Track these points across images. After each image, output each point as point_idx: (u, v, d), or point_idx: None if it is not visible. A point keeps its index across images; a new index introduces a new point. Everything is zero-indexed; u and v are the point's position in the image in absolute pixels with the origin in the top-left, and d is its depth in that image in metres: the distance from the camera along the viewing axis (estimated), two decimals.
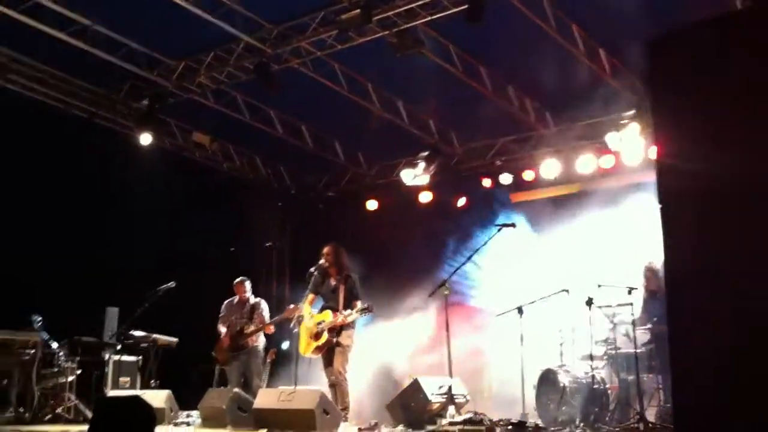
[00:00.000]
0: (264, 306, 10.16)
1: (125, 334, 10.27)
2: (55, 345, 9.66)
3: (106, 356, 10.27)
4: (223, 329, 10.01)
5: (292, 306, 9.51)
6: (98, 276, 10.85)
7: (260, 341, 10.03)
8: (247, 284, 10.28)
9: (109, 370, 10.17)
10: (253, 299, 10.20)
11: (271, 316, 10.17)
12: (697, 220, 4.04)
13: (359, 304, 8.30)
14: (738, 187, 3.82)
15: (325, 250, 8.87)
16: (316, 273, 8.87)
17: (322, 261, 8.86)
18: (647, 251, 8.29)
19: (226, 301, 10.24)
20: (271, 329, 9.96)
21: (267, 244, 13.34)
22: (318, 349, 8.40)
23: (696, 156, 4.04)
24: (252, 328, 9.81)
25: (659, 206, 4.29)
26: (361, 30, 9.33)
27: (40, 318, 9.60)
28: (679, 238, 4.10)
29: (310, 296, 8.81)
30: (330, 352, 8.38)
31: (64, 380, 9.58)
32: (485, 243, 8.91)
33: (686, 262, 4.04)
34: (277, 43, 9.98)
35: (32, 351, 9.48)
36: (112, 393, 9.71)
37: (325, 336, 8.32)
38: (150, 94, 11.23)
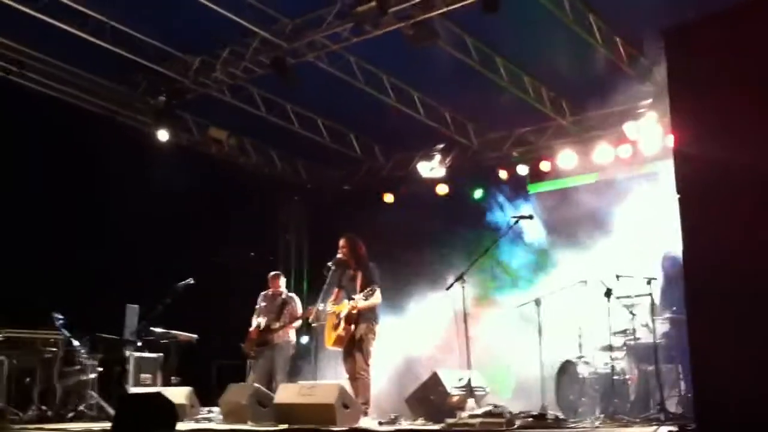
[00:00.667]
0: (296, 302, 10.18)
1: (145, 331, 10.32)
2: (76, 343, 9.71)
3: (127, 353, 10.31)
4: (255, 322, 10.02)
5: (310, 308, 9.54)
6: (118, 273, 10.92)
7: (290, 337, 10.04)
8: (282, 279, 10.34)
9: (130, 367, 10.22)
10: (285, 294, 10.23)
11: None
12: (716, 210, 4.01)
13: (377, 293, 8.31)
14: (757, 176, 3.78)
15: (341, 242, 8.90)
16: (334, 267, 8.87)
17: (339, 254, 8.87)
18: (665, 240, 8.21)
19: (261, 293, 10.28)
20: (296, 325, 9.97)
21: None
22: (339, 338, 8.40)
23: (714, 145, 4.01)
24: (278, 324, 9.83)
25: (677, 196, 4.26)
26: (377, 22, 9.30)
27: (61, 316, 9.66)
28: (698, 227, 4.07)
29: (335, 290, 8.83)
30: (351, 344, 8.37)
31: (86, 378, 9.65)
32: (503, 235, 8.88)
33: (705, 251, 4.01)
34: (293, 37, 9.97)
35: (54, 349, 9.54)
36: (133, 390, 9.77)
37: (342, 325, 8.34)
38: (167, 90, 11.27)
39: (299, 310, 10.12)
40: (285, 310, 9.99)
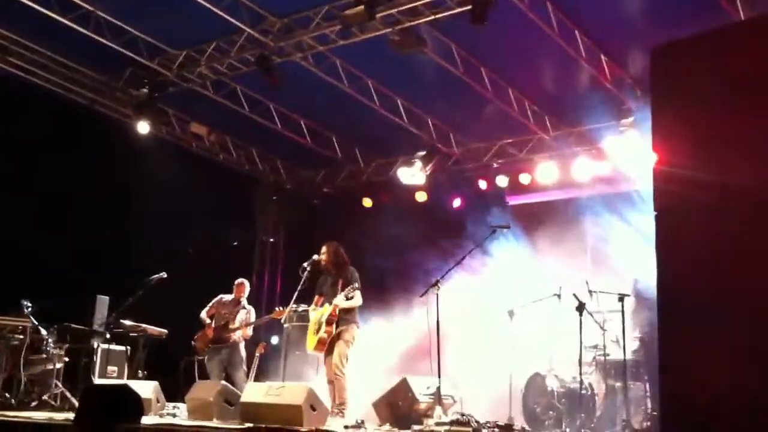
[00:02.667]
0: (252, 314, 10.14)
1: (115, 323, 10.21)
2: (44, 331, 9.60)
3: (95, 345, 10.21)
4: (205, 317, 9.98)
5: (279, 308, 9.54)
6: (90, 264, 10.81)
7: (242, 339, 10.01)
8: (246, 288, 10.27)
9: (97, 358, 10.12)
10: (245, 303, 10.18)
11: (259, 315, 10.21)
12: (694, 230, 4.03)
13: (357, 295, 8.30)
14: (737, 196, 3.80)
15: (324, 248, 8.84)
16: (309, 269, 8.82)
17: (318, 257, 8.81)
18: (640, 259, 8.28)
19: (219, 296, 10.20)
20: (249, 333, 9.95)
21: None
22: (321, 343, 8.36)
23: (694, 164, 4.03)
24: (236, 324, 9.81)
25: (654, 214, 4.28)
26: (364, 26, 9.31)
27: (30, 303, 9.55)
28: (674, 247, 4.08)
29: (316, 298, 8.80)
30: (332, 348, 8.34)
31: (52, 367, 9.53)
32: (479, 244, 8.89)
33: (680, 274, 4.01)
34: (280, 36, 9.96)
35: (21, 336, 9.44)
36: (99, 382, 9.67)
37: (324, 328, 8.31)
38: (150, 82, 11.19)
39: (252, 321, 10.10)
40: (242, 318, 9.96)
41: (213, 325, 9.91)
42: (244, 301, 10.17)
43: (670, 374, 3.89)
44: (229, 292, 10.20)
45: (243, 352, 9.93)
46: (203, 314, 10.06)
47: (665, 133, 4.35)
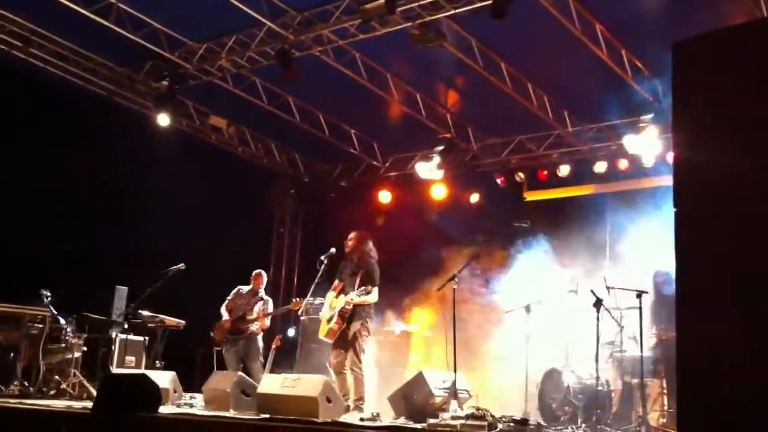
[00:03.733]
0: (270, 305, 10.15)
1: (133, 313, 10.28)
2: (62, 321, 9.69)
3: (113, 335, 10.29)
4: (224, 312, 10.01)
5: (296, 299, 9.54)
6: (109, 254, 10.90)
7: (259, 330, 10.03)
8: (264, 278, 10.29)
9: (115, 348, 10.19)
10: (263, 294, 10.19)
11: (276, 307, 10.23)
12: (714, 226, 4.00)
13: (374, 292, 8.28)
14: (759, 193, 3.78)
15: (351, 235, 8.81)
16: (327, 261, 8.83)
17: (344, 248, 8.80)
18: (659, 256, 8.24)
19: (237, 287, 10.23)
20: (266, 324, 9.96)
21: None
22: (332, 331, 8.37)
23: (716, 160, 4.00)
24: (254, 315, 9.82)
25: (674, 209, 4.26)
26: (384, 20, 9.32)
27: (49, 293, 9.64)
28: (694, 244, 4.06)
29: (336, 282, 8.78)
30: (342, 339, 8.34)
31: (71, 356, 9.64)
32: (497, 240, 8.88)
33: (700, 270, 3.99)
34: (300, 30, 9.98)
35: (40, 326, 9.54)
36: (117, 371, 9.74)
37: (335, 319, 8.31)
38: (170, 74, 11.25)
39: (270, 311, 10.13)
40: (260, 309, 9.97)
41: (231, 317, 9.94)
42: (261, 293, 10.18)
43: (688, 366, 3.87)
44: (247, 283, 10.23)
45: (260, 344, 9.96)
46: (222, 309, 10.08)
47: (687, 128, 4.32)
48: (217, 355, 10.17)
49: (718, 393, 3.73)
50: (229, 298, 10.16)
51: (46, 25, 10.66)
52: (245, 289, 10.18)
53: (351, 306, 8.24)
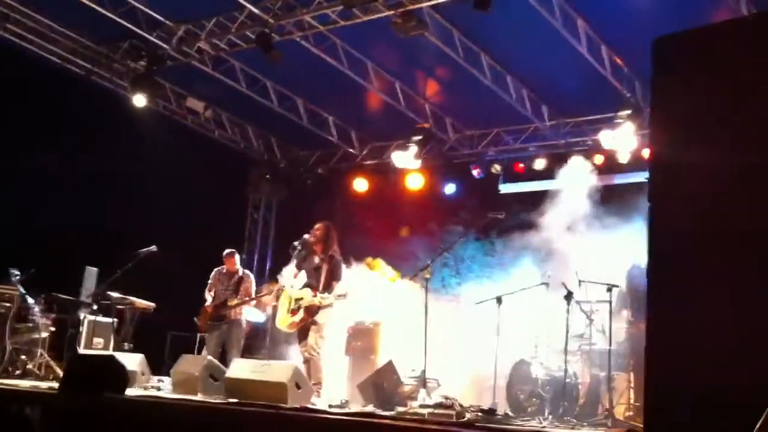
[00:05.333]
0: (252, 280, 10.08)
1: (103, 294, 10.17)
2: (31, 300, 9.56)
3: (82, 316, 10.18)
4: (209, 297, 9.92)
5: (271, 286, 9.50)
6: (80, 235, 10.77)
7: (243, 314, 9.98)
8: (237, 257, 10.20)
9: (84, 329, 10.08)
10: (241, 271, 10.11)
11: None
12: (686, 223, 4.03)
13: (337, 288, 8.28)
14: (732, 188, 3.81)
15: (317, 226, 8.79)
16: (300, 249, 8.81)
17: (308, 236, 8.79)
18: (633, 250, 8.30)
19: (215, 270, 10.14)
20: (252, 304, 9.90)
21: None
22: (293, 324, 8.40)
23: (691, 157, 4.03)
24: (236, 301, 9.74)
25: (648, 205, 4.28)
26: (366, 8, 9.27)
27: (18, 272, 9.51)
28: (666, 239, 4.09)
29: (295, 271, 8.75)
30: (306, 328, 8.37)
31: (38, 336, 9.51)
32: (471, 231, 8.90)
33: (671, 265, 4.02)
34: (281, 15, 9.90)
35: (8, 304, 9.40)
36: (84, 353, 9.65)
37: (301, 314, 8.31)
38: (148, 55, 11.13)
39: (253, 287, 10.07)
40: (241, 287, 9.90)
41: (213, 302, 9.84)
42: (239, 269, 10.10)
43: (656, 359, 3.91)
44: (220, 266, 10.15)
45: (243, 329, 9.88)
46: (206, 292, 9.98)
47: (664, 125, 4.35)
48: (190, 340, 10.10)
49: (686, 386, 3.77)
50: (209, 281, 10.06)
51: (24, 1, 10.50)
52: (222, 270, 10.10)
53: (320, 304, 8.25)
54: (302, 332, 8.42)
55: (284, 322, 8.50)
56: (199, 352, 9.77)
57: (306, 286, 8.50)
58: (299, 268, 8.72)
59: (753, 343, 3.62)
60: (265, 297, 9.85)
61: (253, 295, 9.98)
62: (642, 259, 8.09)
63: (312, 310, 8.28)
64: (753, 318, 3.64)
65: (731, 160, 3.91)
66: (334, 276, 8.41)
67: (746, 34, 4.14)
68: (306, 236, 8.85)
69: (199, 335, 10.07)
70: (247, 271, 10.23)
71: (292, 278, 8.68)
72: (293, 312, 8.40)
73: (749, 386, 3.55)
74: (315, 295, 8.28)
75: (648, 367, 4.04)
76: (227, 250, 10.18)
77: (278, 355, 9.77)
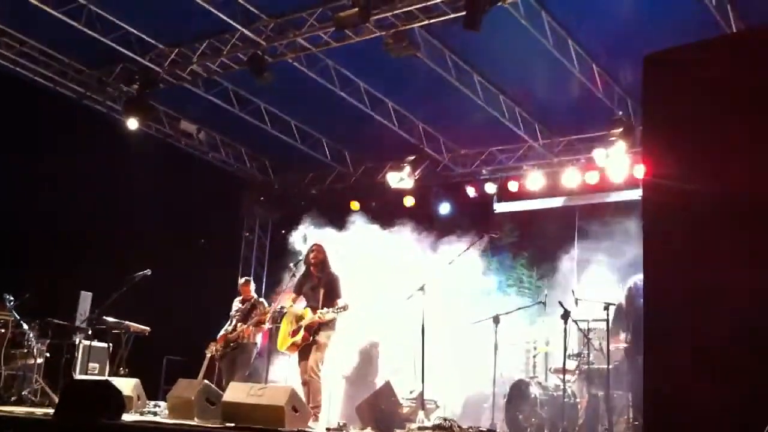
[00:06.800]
0: (264, 305, 9.96)
1: (97, 319, 10.08)
2: (25, 326, 9.50)
3: (77, 341, 10.12)
4: (223, 329, 9.83)
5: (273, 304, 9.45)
6: (74, 259, 10.73)
7: (254, 339, 9.86)
8: (252, 285, 10.17)
9: (79, 354, 10.02)
10: (254, 298, 10.04)
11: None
12: (679, 238, 4.04)
13: (338, 303, 8.25)
14: (726, 207, 3.82)
15: (312, 247, 8.78)
16: (296, 271, 8.79)
17: (306, 258, 8.77)
18: (629, 268, 8.31)
19: (235, 300, 10.07)
20: (250, 330, 9.80)
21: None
22: (294, 345, 8.34)
23: (683, 176, 4.04)
24: (244, 326, 9.64)
25: (642, 224, 4.29)
26: (358, 29, 9.31)
27: (12, 298, 9.45)
28: (661, 257, 4.09)
29: (293, 296, 8.72)
30: (306, 350, 8.32)
31: (33, 362, 9.44)
32: (466, 250, 8.89)
33: (667, 283, 4.02)
34: (273, 36, 9.93)
35: (2, 330, 9.33)
36: (80, 377, 9.58)
37: (301, 333, 8.26)
38: (141, 78, 11.12)
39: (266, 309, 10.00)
40: (253, 313, 9.84)
41: (226, 329, 9.76)
42: (254, 297, 10.02)
43: (654, 368, 3.91)
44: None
45: (251, 354, 9.80)
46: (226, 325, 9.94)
47: (655, 142, 4.36)
48: (187, 364, 9.98)
49: (684, 397, 3.77)
50: (231, 313, 10.00)
51: (15, 26, 10.51)
52: (238, 299, 10.06)
53: (321, 321, 8.20)
54: (302, 353, 8.36)
55: (284, 344, 8.45)
56: (205, 376, 9.62)
57: (307, 307, 8.48)
58: (298, 291, 8.68)
59: (750, 355, 3.62)
60: (263, 318, 9.76)
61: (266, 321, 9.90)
62: (640, 277, 8.12)
63: (312, 328, 8.24)
64: (750, 329, 3.65)
65: (723, 177, 3.93)
66: (333, 294, 8.37)
67: (735, 51, 4.18)
68: (301, 258, 8.84)
69: (207, 360, 9.92)
70: (261, 299, 10.16)
71: (291, 302, 8.65)
72: (293, 333, 8.35)
73: (747, 397, 3.56)
74: (315, 314, 8.26)
75: (646, 379, 4.03)
76: (242, 279, 10.25)
77: (278, 378, 9.66)
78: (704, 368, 3.76)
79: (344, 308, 8.18)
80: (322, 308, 8.24)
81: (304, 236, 10.82)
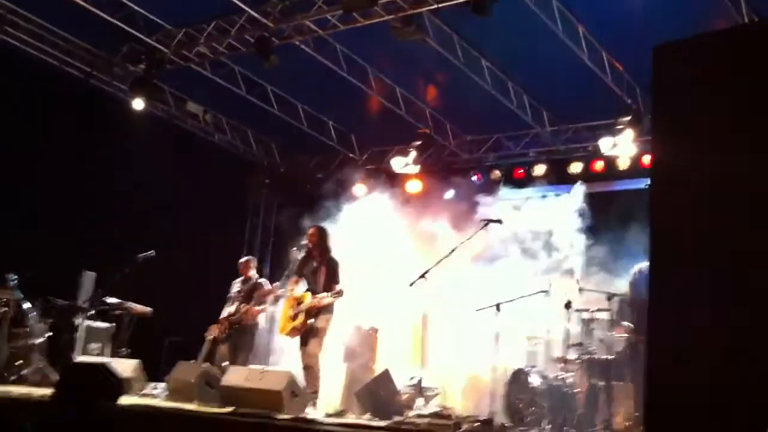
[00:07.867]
0: (266, 286, 9.91)
1: (100, 300, 10.11)
2: (27, 305, 9.49)
3: (79, 321, 10.11)
4: (225, 309, 9.76)
5: (273, 287, 9.43)
6: (78, 239, 10.71)
7: (256, 320, 9.80)
8: (252, 263, 10.10)
9: (80, 335, 10.02)
10: (256, 278, 9.98)
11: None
12: (688, 228, 4.00)
13: (335, 288, 8.25)
14: (734, 195, 3.79)
15: (310, 231, 8.80)
16: (299, 254, 8.79)
17: (305, 242, 8.77)
18: (634, 258, 8.24)
19: (234, 281, 9.99)
20: (257, 311, 9.76)
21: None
22: (295, 330, 8.36)
23: (693, 164, 4.00)
24: (246, 306, 9.58)
25: (650, 211, 4.25)
26: (366, 12, 9.22)
27: (15, 276, 9.44)
28: (668, 246, 4.05)
29: (294, 278, 8.71)
30: (306, 335, 8.33)
31: (34, 342, 9.44)
32: (470, 237, 8.83)
33: (673, 273, 3.99)
34: (281, 18, 9.85)
35: (4, 309, 9.34)
36: (80, 358, 9.57)
37: (301, 318, 8.28)
38: (148, 58, 11.07)
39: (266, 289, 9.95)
40: (255, 294, 9.77)
41: (228, 311, 9.71)
42: (254, 277, 9.97)
43: (657, 356, 3.88)
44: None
45: (253, 336, 9.75)
46: (225, 306, 9.85)
47: (665, 132, 4.31)
48: (185, 347, 9.98)
49: (685, 386, 3.75)
50: (229, 294, 9.92)
51: (22, 4, 10.45)
52: (238, 279, 9.99)
53: (320, 305, 8.21)
54: (303, 338, 8.37)
55: (285, 328, 8.46)
56: (205, 359, 9.57)
57: (307, 290, 8.49)
58: (299, 274, 8.68)
59: (751, 345, 3.61)
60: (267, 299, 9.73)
61: (268, 302, 9.85)
62: (646, 264, 8.05)
63: (311, 312, 8.24)
64: (753, 320, 3.63)
65: (732, 167, 3.89)
66: (332, 278, 8.39)
67: (747, 41, 4.12)
68: (305, 242, 8.83)
69: (207, 343, 9.88)
70: (262, 279, 10.09)
71: (293, 285, 8.64)
72: (293, 317, 8.36)
73: (747, 386, 3.54)
74: (314, 298, 8.27)
75: (648, 367, 4.01)
76: (243, 258, 10.16)
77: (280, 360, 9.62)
78: (708, 353, 3.74)
79: (339, 293, 8.20)
80: (322, 292, 8.25)
81: (309, 220, 10.77)
